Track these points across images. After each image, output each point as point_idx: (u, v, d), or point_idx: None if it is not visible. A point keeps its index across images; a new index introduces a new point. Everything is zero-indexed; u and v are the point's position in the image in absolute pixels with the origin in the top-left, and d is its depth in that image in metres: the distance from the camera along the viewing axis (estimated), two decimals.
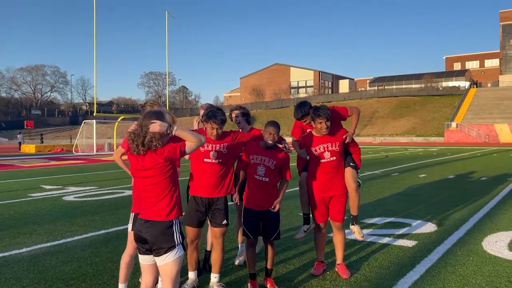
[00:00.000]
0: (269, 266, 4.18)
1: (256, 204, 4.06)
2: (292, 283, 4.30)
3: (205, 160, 3.91)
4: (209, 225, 4.12)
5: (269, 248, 4.17)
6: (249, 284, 4.13)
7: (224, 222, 3.99)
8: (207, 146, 3.91)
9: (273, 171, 4.06)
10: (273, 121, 4.14)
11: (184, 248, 3.01)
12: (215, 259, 4.03)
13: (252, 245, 4.13)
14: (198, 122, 4.65)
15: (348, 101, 77.59)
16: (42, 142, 43.97)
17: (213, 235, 4.05)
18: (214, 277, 4.05)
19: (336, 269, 4.61)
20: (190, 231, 4.03)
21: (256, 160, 4.05)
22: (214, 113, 3.81)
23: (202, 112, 4.60)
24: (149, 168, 2.90)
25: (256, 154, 4.07)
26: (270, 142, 4.01)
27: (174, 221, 2.96)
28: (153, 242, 2.89)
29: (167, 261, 2.87)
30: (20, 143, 41.05)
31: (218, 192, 3.97)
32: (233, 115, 4.78)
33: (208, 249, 4.75)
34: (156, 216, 2.92)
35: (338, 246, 4.62)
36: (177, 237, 2.92)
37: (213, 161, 3.91)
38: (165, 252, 2.86)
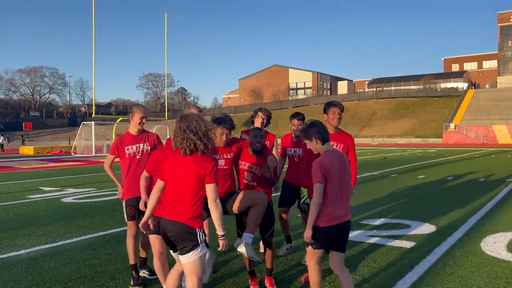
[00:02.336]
0: (268, 266, 4.21)
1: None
2: (291, 285, 4.30)
3: None
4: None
5: (267, 247, 4.19)
6: (249, 279, 4.21)
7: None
8: (215, 154, 4.02)
9: (260, 177, 4.15)
10: (257, 127, 4.27)
11: (207, 246, 3.05)
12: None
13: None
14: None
15: (346, 102, 77.68)
16: (23, 145, 42.62)
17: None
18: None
19: None
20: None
21: (243, 166, 4.17)
22: (223, 119, 3.94)
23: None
24: (191, 174, 2.97)
25: (244, 161, 4.17)
26: (257, 145, 4.09)
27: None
28: (177, 241, 2.94)
29: (191, 259, 2.91)
30: (2, 145, 40.70)
31: (222, 193, 4.00)
32: (263, 117, 5.27)
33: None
34: (180, 217, 2.97)
35: None
36: (200, 235, 2.95)
37: (220, 167, 4.02)
38: (189, 251, 2.90)
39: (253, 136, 4.09)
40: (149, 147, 4.51)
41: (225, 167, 4.05)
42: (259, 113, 5.30)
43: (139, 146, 4.49)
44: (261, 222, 4.14)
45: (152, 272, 4.53)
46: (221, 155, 4.03)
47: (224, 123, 3.91)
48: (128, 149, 4.46)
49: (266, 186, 4.25)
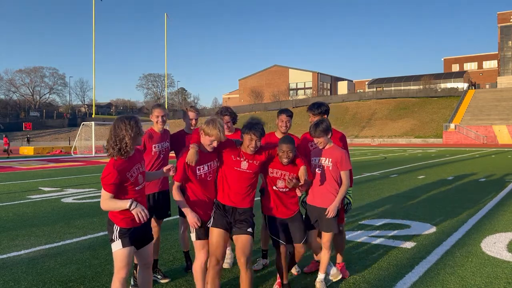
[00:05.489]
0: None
1: (281, 212, 3.99)
2: (291, 285, 4.30)
3: (235, 168, 3.79)
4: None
5: (298, 255, 4.10)
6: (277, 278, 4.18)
7: (249, 230, 3.73)
8: (239, 157, 3.79)
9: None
10: (287, 136, 4.01)
11: (125, 244, 3.20)
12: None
13: (284, 252, 4.02)
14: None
15: (346, 102, 77.67)
16: (28, 144, 41.05)
17: (236, 247, 3.76)
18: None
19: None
20: (215, 234, 3.69)
21: (275, 174, 3.95)
22: (254, 125, 3.72)
23: (192, 114, 4.72)
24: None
25: (276, 168, 3.95)
26: (285, 160, 3.85)
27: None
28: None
29: (113, 250, 3.24)
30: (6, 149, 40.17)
31: (242, 202, 3.78)
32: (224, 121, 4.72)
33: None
34: None
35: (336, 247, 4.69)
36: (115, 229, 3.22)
37: (243, 170, 3.79)
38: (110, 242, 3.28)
39: (281, 151, 3.84)
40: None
41: (248, 171, 3.78)
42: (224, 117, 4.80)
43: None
44: (293, 231, 4.03)
45: (163, 276, 4.48)
46: (246, 159, 3.80)
47: (254, 129, 3.67)
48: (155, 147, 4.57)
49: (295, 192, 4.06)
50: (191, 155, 3.62)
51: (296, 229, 4.00)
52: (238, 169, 3.77)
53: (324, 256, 4.18)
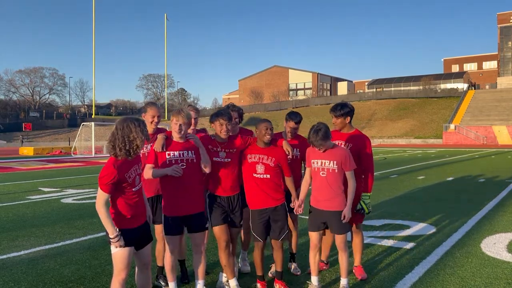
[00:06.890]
0: (279, 269, 4.16)
1: (263, 201, 4.02)
2: (290, 285, 4.30)
3: (214, 159, 3.96)
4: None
5: (278, 249, 4.12)
6: (258, 284, 4.13)
7: (241, 222, 4.07)
8: (216, 147, 3.99)
9: (273, 168, 4.02)
10: (263, 119, 4.18)
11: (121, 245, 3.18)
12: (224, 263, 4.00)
13: (261, 248, 4.08)
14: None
15: None
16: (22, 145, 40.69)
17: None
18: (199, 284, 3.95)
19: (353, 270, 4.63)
20: (218, 231, 3.98)
21: (254, 159, 4.04)
22: (219, 112, 3.97)
23: (191, 113, 4.62)
24: None
25: (254, 153, 4.05)
26: (268, 137, 4.00)
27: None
28: None
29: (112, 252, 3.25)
30: None
31: (232, 190, 4.04)
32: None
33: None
34: None
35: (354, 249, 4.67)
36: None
37: (222, 160, 3.99)
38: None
39: (264, 129, 3.99)
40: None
41: (227, 159, 3.99)
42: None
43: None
44: (274, 224, 4.09)
45: (166, 283, 4.31)
46: (222, 148, 3.99)
47: (220, 115, 3.93)
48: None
49: (280, 179, 4.09)
50: (157, 141, 3.85)
51: (277, 226, 4.07)
52: (217, 159, 3.97)
53: (342, 259, 4.09)
